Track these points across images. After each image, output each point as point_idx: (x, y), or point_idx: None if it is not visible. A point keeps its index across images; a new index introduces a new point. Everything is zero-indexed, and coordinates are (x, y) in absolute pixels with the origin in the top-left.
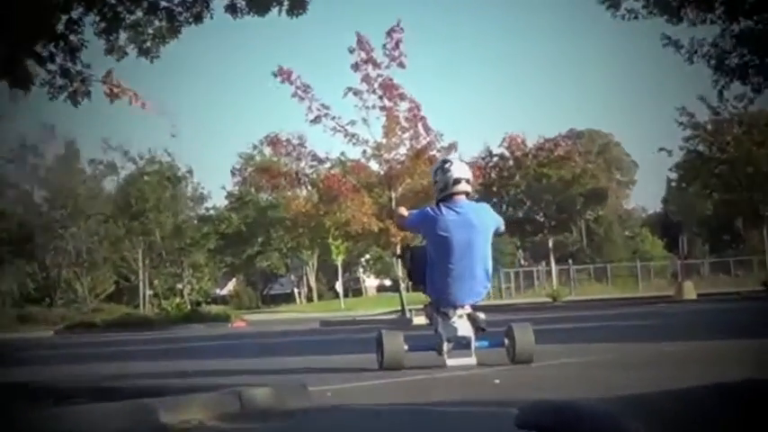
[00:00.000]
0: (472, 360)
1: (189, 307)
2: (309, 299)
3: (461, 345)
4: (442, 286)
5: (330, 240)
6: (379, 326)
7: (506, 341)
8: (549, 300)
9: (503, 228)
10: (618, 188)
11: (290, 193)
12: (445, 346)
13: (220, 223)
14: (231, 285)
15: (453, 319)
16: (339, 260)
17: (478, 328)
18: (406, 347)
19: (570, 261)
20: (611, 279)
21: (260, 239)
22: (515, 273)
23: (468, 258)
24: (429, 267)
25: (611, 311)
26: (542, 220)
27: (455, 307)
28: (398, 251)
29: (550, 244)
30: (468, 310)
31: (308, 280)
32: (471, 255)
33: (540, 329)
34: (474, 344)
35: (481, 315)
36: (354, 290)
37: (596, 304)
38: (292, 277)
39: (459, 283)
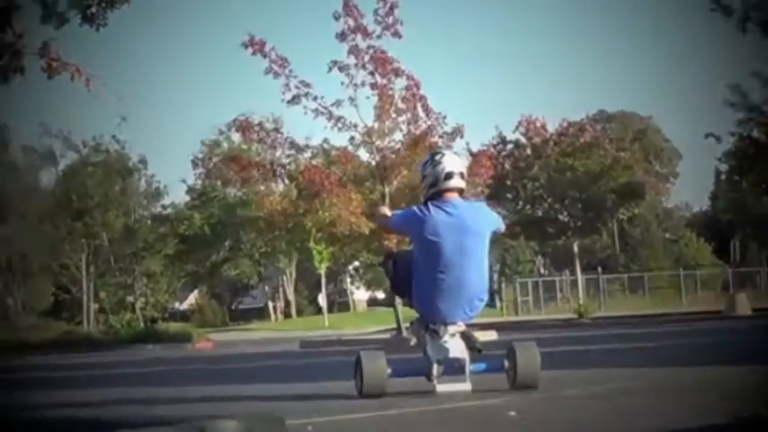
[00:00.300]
0: (466, 386)
1: (142, 324)
2: (287, 314)
3: (454, 368)
4: (430, 299)
5: (311, 244)
6: (370, 347)
7: (507, 363)
8: (574, 316)
9: (502, 228)
10: (657, 182)
11: (263, 188)
12: (435, 370)
13: (180, 224)
14: (193, 298)
15: (444, 339)
16: (322, 268)
17: (474, 348)
18: (388, 371)
19: (599, 269)
20: (648, 291)
21: (227, 243)
22: (534, 283)
23: (461, 266)
24: (416, 277)
25: (649, 330)
26: (566, 220)
27: (446, 324)
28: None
29: (576, 249)
30: (461, 327)
31: (284, 292)
32: (465, 262)
33: (562, 351)
34: (468, 367)
35: (477, 333)
36: (341, 304)
37: (631, 321)
38: (266, 289)
39: (450, 295)
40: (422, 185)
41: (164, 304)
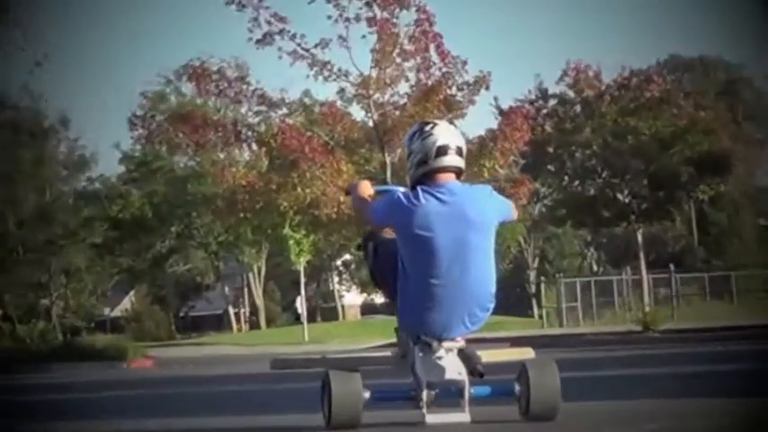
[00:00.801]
0: (464, 416)
1: (60, 336)
2: (253, 324)
3: (450, 393)
4: (420, 310)
5: (287, 231)
6: (364, 368)
7: (517, 388)
8: (637, 328)
9: (514, 216)
10: (750, 150)
11: (222, 156)
12: (425, 395)
13: (112, 203)
14: (128, 302)
15: (439, 354)
16: (301, 263)
17: (475, 372)
18: (365, 396)
19: (672, 266)
20: (736, 295)
21: (174, 230)
22: (584, 284)
23: (460, 268)
24: (402, 282)
25: (736, 347)
26: (627, 200)
27: (441, 339)
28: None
29: (640, 239)
30: (460, 343)
31: (250, 295)
32: (466, 263)
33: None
34: (468, 392)
35: (492, 352)
36: (326, 311)
37: (712, 335)
38: (226, 290)
39: (446, 305)
40: (408, 164)
41: (89, 310)
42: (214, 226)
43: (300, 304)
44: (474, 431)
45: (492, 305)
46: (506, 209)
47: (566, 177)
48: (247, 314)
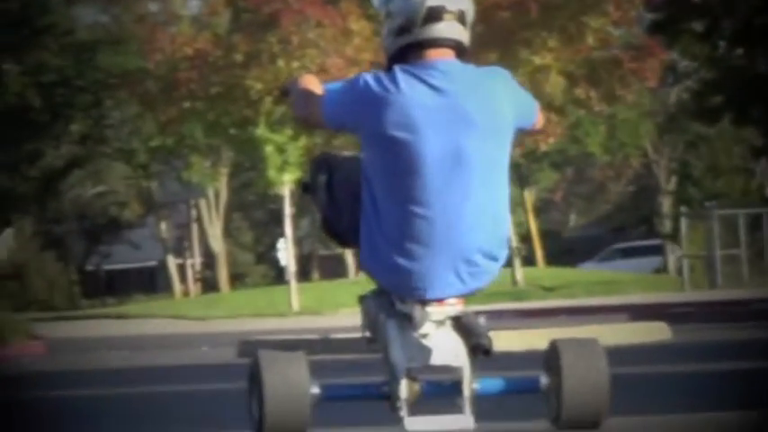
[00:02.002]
0: (464, 420)
1: None
2: (209, 284)
3: (441, 388)
4: (395, 255)
5: (262, 131)
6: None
7: (544, 380)
8: None
9: (538, 122)
10: None
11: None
12: (403, 389)
13: None
14: (2, 248)
15: (424, 330)
16: (285, 184)
17: (478, 347)
18: (314, 390)
19: None
20: None
21: (76, 128)
22: (751, 218)
23: (456, 192)
24: (367, 212)
25: None
26: None
27: (425, 302)
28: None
29: None
30: (456, 308)
31: (203, 237)
32: (465, 184)
33: None
34: (470, 385)
35: (482, 319)
36: (327, 261)
37: None
38: (163, 229)
39: (434, 247)
40: (384, 33)
41: None
42: (142, 123)
43: (285, 251)
44: None
45: (505, 252)
46: (530, 108)
47: (721, 43)
48: (198, 267)
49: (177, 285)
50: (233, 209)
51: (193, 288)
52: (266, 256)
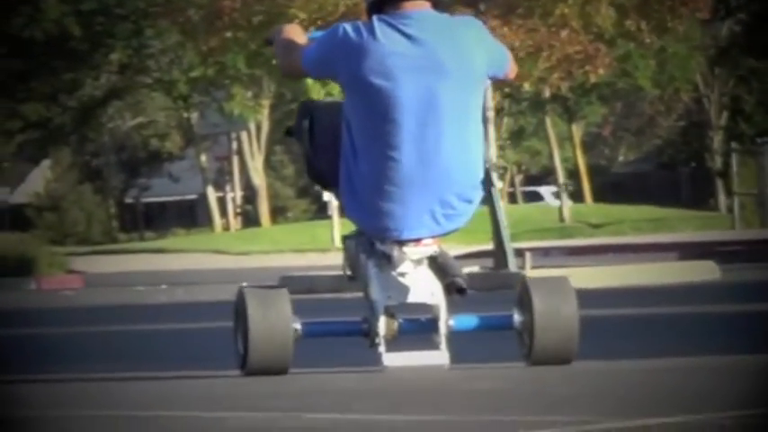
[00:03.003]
0: (440, 356)
1: None
2: (250, 219)
3: (418, 325)
4: (373, 196)
5: None
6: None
7: (518, 317)
8: None
9: (510, 71)
10: None
11: None
12: (382, 326)
13: (10, 13)
14: (40, 180)
15: (401, 269)
16: None
17: (453, 285)
18: (296, 327)
19: None
20: None
21: (115, 57)
22: None
23: (431, 136)
24: (346, 156)
25: None
26: None
27: (401, 242)
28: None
29: None
30: (431, 248)
31: (244, 169)
32: (439, 128)
33: None
34: (445, 321)
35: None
36: None
37: None
38: (203, 161)
39: (411, 189)
40: None
41: None
42: (183, 52)
43: None
44: (452, 381)
45: (479, 195)
46: (502, 57)
47: None
48: (239, 201)
49: (217, 219)
50: (274, 142)
51: (234, 222)
52: (308, 191)
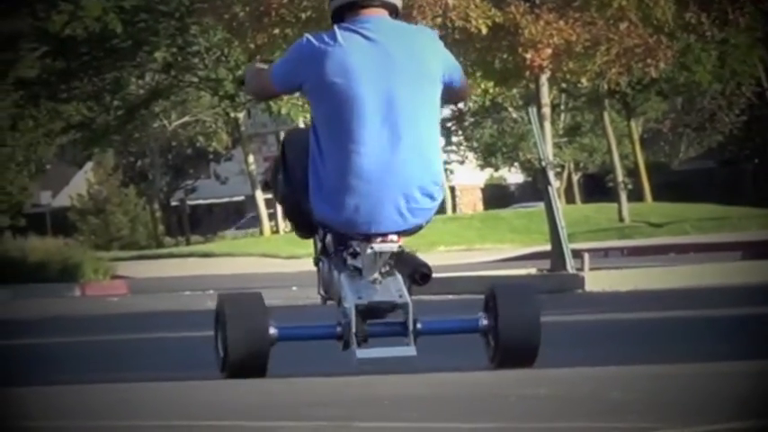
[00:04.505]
0: (407, 350)
1: None
2: None
3: (388, 328)
4: (338, 191)
5: None
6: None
7: (484, 321)
8: None
9: (464, 83)
10: None
11: None
12: (354, 324)
13: (52, 11)
14: (83, 183)
15: (372, 276)
16: None
17: (416, 274)
18: (272, 332)
19: None
20: None
21: (160, 56)
22: None
23: (390, 132)
24: (314, 155)
25: None
26: None
27: (368, 237)
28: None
29: None
30: (396, 244)
31: None
32: (397, 125)
33: None
34: (412, 318)
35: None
36: None
37: None
38: (252, 162)
39: (373, 183)
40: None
41: (15, 196)
42: (229, 50)
43: None
44: (504, 387)
45: (440, 192)
46: (456, 67)
47: None
48: None
49: (266, 222)
50: None
51: (282, 225)
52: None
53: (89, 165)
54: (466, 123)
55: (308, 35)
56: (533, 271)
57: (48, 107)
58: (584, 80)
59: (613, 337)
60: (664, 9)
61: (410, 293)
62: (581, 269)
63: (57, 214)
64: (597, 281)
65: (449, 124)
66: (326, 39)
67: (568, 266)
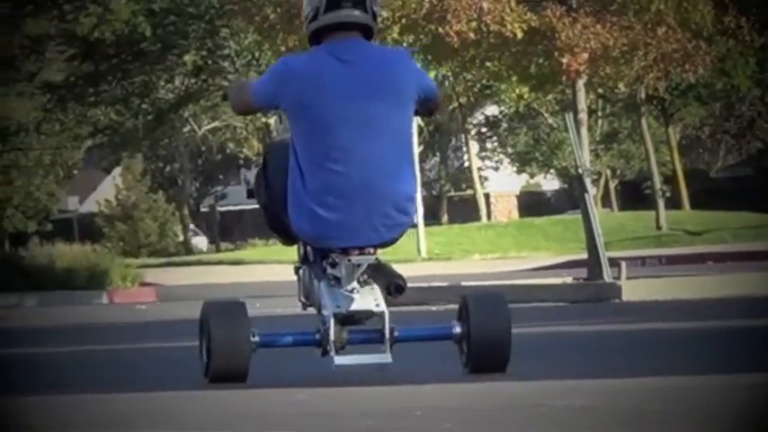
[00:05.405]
0: (383, 357)
1: None
2: None
3: (365, 335)
4: (316, 206)
5: None
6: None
7: (457, 328)
8: None
9: (437, 95)
10: None
11: None
12: (332, 332)
13: (80, 14)
14: (111, 188)
15: (350, 285)
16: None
17: (392, 285)
18: (254, 339)
19: None
20: None
21: (190, 59)
22: None
23: (364, 150)
24: (294, 175)
25: None
26: None
27: (346, 251)
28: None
29: None
30: (372, 257)
31: None
32: (371, 143)
33: None
34: (388, 326)
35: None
36: (458, 204)
37: None
38: None
39: (348, 198)
40: (304, 21)
41: (42, 202)
42: (260, 53)
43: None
44: (543, 397)
45: (413, 207)
46: (428, 81)
47: None
48: None
49: None
50: None
51: None
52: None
53: (117, 170)
54: (500, 129)
55: (286, 57)
56: (569, 280)
57: (75, 111)
58: (621, 85)
59: (651, 347)
60: (702, 13)
61: (386, 302)
62: (618, 278)
63: (84, 220)
64: (634, 290)
65: (483, 130)
66: (302, 59)
67: (605, 275)
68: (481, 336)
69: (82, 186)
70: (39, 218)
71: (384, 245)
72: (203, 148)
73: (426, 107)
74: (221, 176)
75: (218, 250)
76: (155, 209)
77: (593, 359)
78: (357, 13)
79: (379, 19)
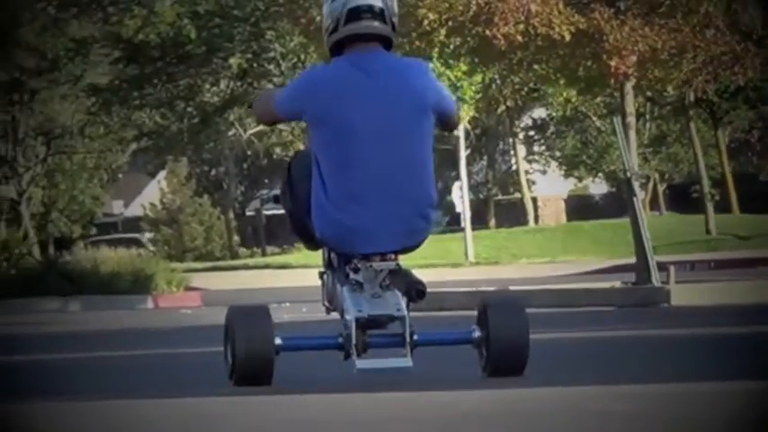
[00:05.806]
0: (404, 361)
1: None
2: None
3: (386, 339)
4: (341, 216)
5: (435, 63)
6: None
7: (477, 333)
8: None
9: (455, 109)
10: None
11: None
12: (354, 336)
13: (124, 17)
14: (156, 192)
15: (372, 290)
16: (463, 120)
17: (412, 290)
18: (278, 342)
19: None
20: None
21: (235, 62)
22: None
23: (385, 158)
24: (316, 183)
25: None
26: None
27: (368, 257)
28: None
29: None
30: (393, 262)
31: None
32: (392, 151)
33: None
34: (409, 330)
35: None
36: (505, 207)
37: None
38: None
39: (371, 206)
40: (324, 33)
41: (87, 206)
42: (306, 56)
43: (461, 196)
44: (583, 402)
45: (434, 215)
46: (446, 94)
47: None
48: None
49: None
50: None
51: None
52: (439, 202)
53: (162, 174)
54: (548, 133)
55: (307, 69)
56: (618, 284)
57: (120, 114)
58: (669, 88)
59: (701, 352)
60: (752, 15)
61: (408, 307)
62: (667, 282)
63: (129, 224)
64: (684, 295)
65: (531, 133)
66: (327, 72)
67: (654, 280)
68: (500, 340)
69: (127, 190)
70: (83, 222)
71: (405, 251)
72: (249, 152)
73: (443, 120)
74: (267, 180)
75: (263, 254)
76: (200, 213)
77: (642, 364)
78: (377, 24)
79: (423, 24)
